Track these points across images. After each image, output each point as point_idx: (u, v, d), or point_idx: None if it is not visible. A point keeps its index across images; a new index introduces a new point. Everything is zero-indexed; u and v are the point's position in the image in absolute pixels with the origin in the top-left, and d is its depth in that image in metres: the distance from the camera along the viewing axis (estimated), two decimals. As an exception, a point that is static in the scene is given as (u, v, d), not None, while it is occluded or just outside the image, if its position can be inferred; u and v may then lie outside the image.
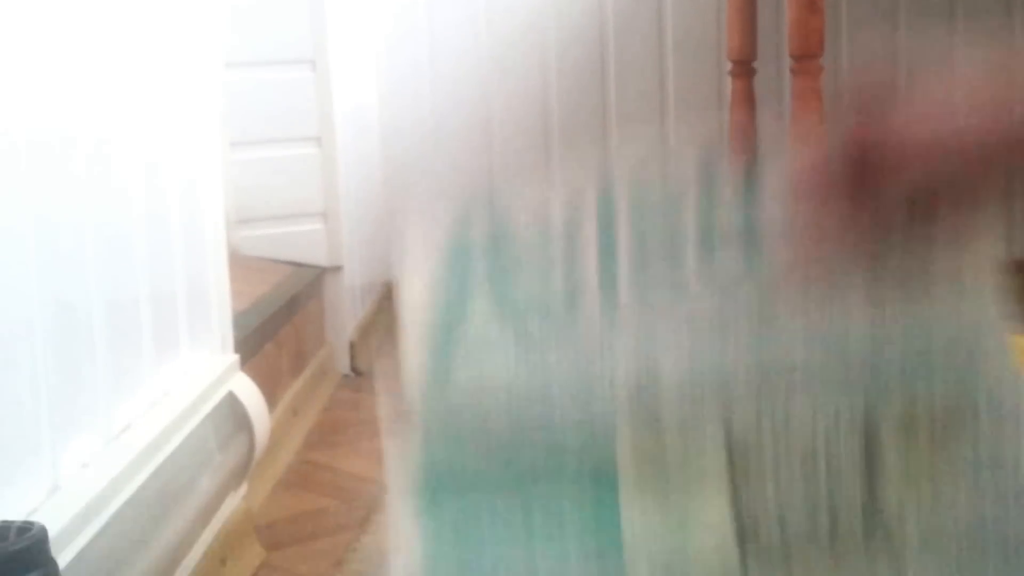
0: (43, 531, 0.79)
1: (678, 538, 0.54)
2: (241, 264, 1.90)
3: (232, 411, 1.35)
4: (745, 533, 0.53)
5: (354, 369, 2.27)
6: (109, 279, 1.07)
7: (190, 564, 1.19)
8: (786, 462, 0.53)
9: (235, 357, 1.41)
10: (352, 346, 2.27)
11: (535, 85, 2.76)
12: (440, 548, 0.55)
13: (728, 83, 2.46)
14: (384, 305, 2.68)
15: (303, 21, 2.13)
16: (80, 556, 0.92)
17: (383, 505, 1.56)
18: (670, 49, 2.77)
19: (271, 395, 1.61)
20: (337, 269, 2.24)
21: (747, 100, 2.31)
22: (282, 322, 1.85)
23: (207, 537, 1.25)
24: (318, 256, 2.21)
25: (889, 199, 0.52)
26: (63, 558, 0.88)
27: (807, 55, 1.96)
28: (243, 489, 1.41)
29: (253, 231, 2.15)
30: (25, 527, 0.79)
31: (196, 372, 1.30)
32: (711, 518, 0.53)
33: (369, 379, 2.23)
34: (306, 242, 2.20)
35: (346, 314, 2.27)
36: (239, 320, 1.52)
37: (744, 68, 2.32)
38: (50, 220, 0.95)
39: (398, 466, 0.56)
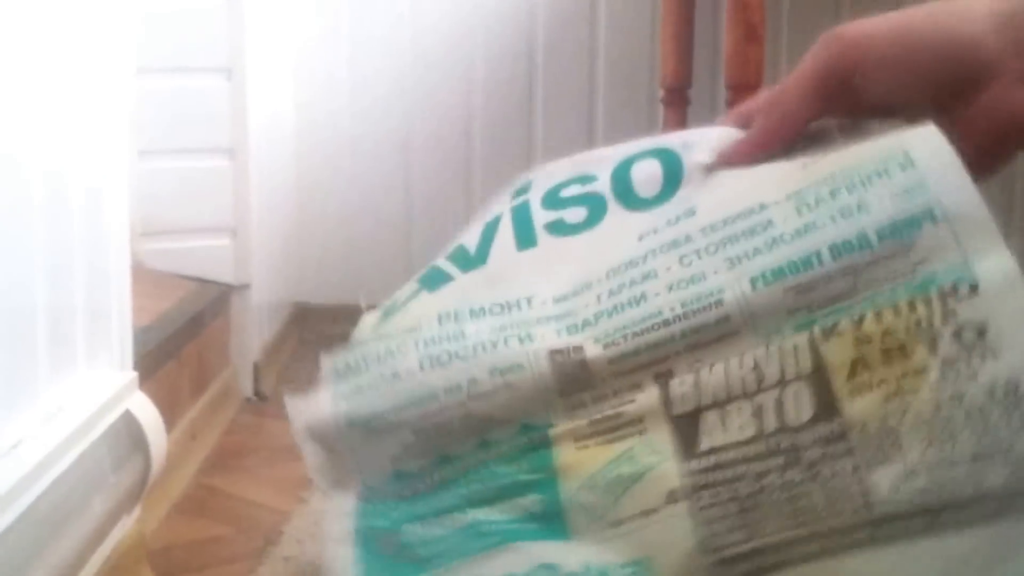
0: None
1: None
2: (145, 278, 1.89)
3: (128, 431, 1.33)
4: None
5: (257, 393, 2.24)
6: (2, 286, 1.05)
7: (78, 588, 1.18)
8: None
9: (134, 375, 1.40)
10: (256, 368, 2.25)
11: (459, 104, 2.76)
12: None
13: (660, 112, 2.46)
14: (292, 327, 2.66)
15: (220, 27, 2.11)
16: (-37, 575, 0.91)
17: (281, 536, 1.55)
18: (601, 71, 2.79)
19: (170, 416, 1.59)
20: (245, 287, 2.21)
21: (679, 129, 2.29)
22: (185, 340, 1.84)
23: (97, 561, 1.24)
24: (225, 273, 2.18)
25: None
26: (-55, 578, 0.87)
27: (744, 85, 1.88)
28: (136, 512, 1.40)
29: (158, 244, 2.12)
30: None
31: (92, 388, 1.28)
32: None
33: (273, 404, 2.20)
34: (213, 257, 2.17)
35: (252, 335, 2.24)
36: (140, 336, 1.50)
37: (677, 96, 2.30)
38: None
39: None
